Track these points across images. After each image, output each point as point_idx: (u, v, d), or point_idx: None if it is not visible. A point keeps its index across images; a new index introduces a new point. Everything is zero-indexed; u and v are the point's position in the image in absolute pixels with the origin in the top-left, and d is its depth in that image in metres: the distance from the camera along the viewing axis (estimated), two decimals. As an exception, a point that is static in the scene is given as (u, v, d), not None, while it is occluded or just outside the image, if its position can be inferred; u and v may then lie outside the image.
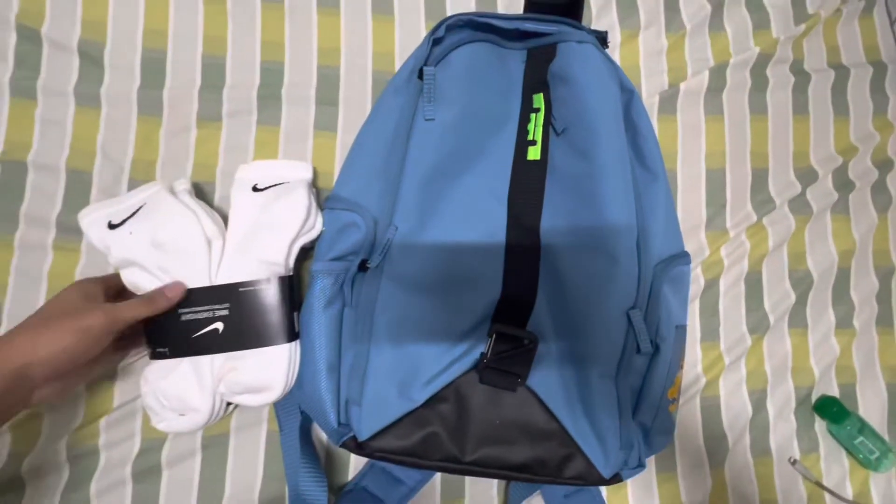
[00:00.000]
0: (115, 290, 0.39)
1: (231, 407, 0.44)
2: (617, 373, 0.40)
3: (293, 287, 0.41)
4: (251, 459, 0.44)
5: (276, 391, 0.39)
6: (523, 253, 0.40)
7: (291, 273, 0.41)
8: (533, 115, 0.42)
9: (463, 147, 0.41)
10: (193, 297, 0.39)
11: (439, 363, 0.38)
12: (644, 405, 0.41)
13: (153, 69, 0.48)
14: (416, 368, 0.38)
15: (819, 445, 0.52)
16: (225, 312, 0.39)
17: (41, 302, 0.43)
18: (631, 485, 0.49)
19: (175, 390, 0.39)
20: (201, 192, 0.47)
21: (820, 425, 0.53)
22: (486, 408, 0.39)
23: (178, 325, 0.39)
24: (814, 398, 0.53)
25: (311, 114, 0.49)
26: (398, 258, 0.39)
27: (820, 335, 0.54)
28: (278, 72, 0.49)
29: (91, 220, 0.39)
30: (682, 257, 0.44)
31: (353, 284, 0.40)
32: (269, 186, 0.42)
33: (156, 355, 0.39)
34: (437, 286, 0.39)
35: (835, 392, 0.54)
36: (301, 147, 0.49)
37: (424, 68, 0.40)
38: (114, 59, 0.47)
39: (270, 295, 0.39)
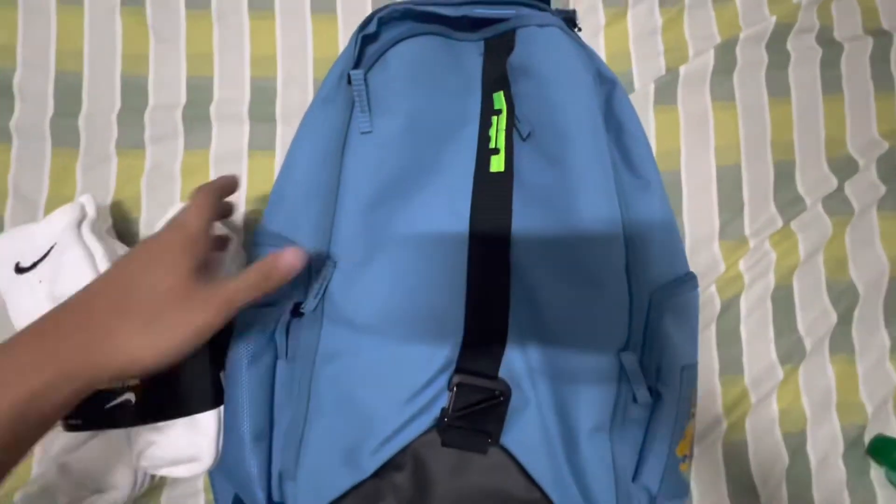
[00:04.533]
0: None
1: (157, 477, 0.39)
2: (611, 426, 0.33)
3: (216, 342, 0.35)
4: (185, 538, 0.39)
5: (205, 462, 0.34)
6: (490, 283, 0.33)
7: None
8: (494, 119, 0.36)
9: (411, 162, 0.35)
10: None
11: (393, 423, 0.32)
12: (647, 466, 0.34)
13: (68, 94, 0.43)
14: (365, 430, 0.32)
15: (876, 497, 0.44)
16: (134, 381, 0.33)
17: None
18: (640, 553, 0.41)
19: (86, 465, 0.34)
20: (126, 223, 0.42)
21: (877, 472, 0.44)
22: (452, 475, 0.32)
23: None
24: (867, 439, 0.44)
25: (244, 132, 0.44)
26: (340, 298, 0.33)
27: (871, 361, 0.45)
28: (206, 87, 0.44)
29: None
30: (688, 281, 0.36)
31: (287, 332, 0.34)
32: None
33: (69, 427, 0.34)
34: (388, 329, 0.33)
35: (893, 431, 0.45)
36: (235, 170, 0.43)
37: (351, 73, 0.34)
38: (24, 87, 0.43)
39: (189, 359, 0.33)
